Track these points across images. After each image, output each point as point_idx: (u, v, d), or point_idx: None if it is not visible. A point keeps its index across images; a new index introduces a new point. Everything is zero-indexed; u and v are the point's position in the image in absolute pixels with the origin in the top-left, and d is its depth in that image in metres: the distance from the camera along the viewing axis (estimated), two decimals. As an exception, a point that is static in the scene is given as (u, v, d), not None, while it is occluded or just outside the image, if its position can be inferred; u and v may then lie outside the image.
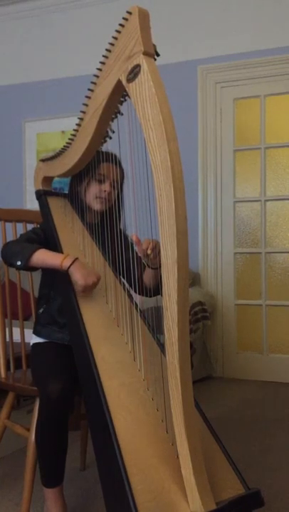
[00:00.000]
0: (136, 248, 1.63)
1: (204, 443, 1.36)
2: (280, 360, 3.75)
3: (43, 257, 1.59)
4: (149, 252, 1.57)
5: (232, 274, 3.87)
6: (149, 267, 1.70)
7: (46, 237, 1.76)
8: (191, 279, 3.70)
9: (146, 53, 1.22)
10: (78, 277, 1.53)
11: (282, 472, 2.11)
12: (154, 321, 1.67)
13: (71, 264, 1.55)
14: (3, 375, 1.84)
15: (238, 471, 1.37)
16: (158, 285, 1.73)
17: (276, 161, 3.79)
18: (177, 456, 1.24)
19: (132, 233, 1.60)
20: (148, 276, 1.75)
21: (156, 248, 1.58)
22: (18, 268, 1.60)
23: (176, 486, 1.23)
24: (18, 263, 1.58)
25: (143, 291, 1.78)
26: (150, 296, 1.76)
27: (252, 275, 3.85)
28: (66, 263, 1.55)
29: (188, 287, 1.22)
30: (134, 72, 1.23)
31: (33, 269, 1.64)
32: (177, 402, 1.20)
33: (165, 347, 1.21)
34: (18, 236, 1.77)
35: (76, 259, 1.56)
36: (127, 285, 1.77)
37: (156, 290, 1.75)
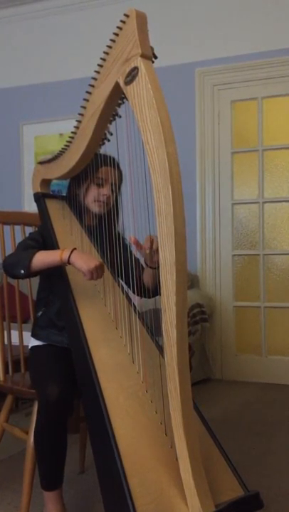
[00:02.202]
0: (134, 250, 1.63)
1: (203, 445, 1.36)
2: (279, 362, 3.74)
3: (41, 258, 1.59)
4: (147, 251, 1.58)
5: (230, 276, 3.87)
6: (148, 266, 1.70)
7: (44, 240, 1.76)
8: (189, 281, 3.70)
9: (144, 56, 1.22)
10: (81, 264, 1.53)
11: (281, 474, 2.11)
12: (152, 323, 1.67)
13: (70, 255, 1.55)
14: (1, 378, 1.84)
15: (237, 473, 1.37)
16: (157, 285, 1.73)
17: (274, 163, 3.80)
18: (176, 459, 1.24)
19: (130, 235, 1.60)
20: (147, 276, 1.75)
21: (155, 246, 1.58)
22: (22, 277, 1.61)
23: (176, 488, 1.23)
24: (22, 272, 1.58)
25: (142, 292, 1.78)
26: (149, 297, 1.76)
27: (250, 277, 3.85)
28: (65, 255, 1.55)
29: (187, 289, 1.22)
30: (132, 75, 1.23)
31: (36, 274, 1.64)
32: (176, 405, 1.20)
33: (164, 349, 1.21)
34: (17, 241, 1.77)
35: (74, 249, 1.56)
36: (125, 287, 1.77)
37: (156, 290, 1.76)
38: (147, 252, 1.59)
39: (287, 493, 1.94)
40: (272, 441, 2.49)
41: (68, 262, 1.55)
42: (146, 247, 1.57)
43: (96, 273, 1.54)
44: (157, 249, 1.55)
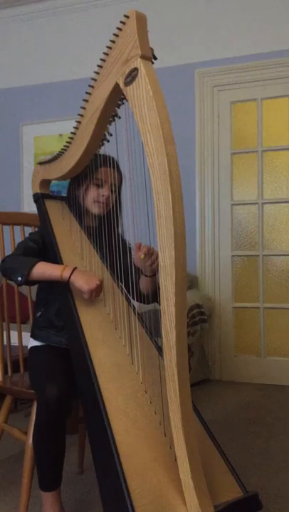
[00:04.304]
0: (133, 254, 1.64)
1: (202, 446, 1.36)
2: (278, 363, 3.75)
3: (42, 270, 1.59)
4: (142, 256, 1.58)
5: (229, 277, 3.87)
6: (144, 275, 1.70)
7: (44, 241, 1.76)
8: (188, 282, 3.70)
9: (143, 57, 1.22)
10: (81, 284, 1.53)
11: (280, 475, 2.11)
12: (151, 324, 1.67)
13: (71, 274, 1.55)
14: (0, 379, 1.84)
15: (236, 474, 1.37)
16: (155, 292, 1.73)
17: (273, 164, 3.80)
18: (175, 460, 1.24)
19: (130, 238, 1.60)
20: (143, 283, 1.75)
21: (153, 255, 1.59)
22: (19, 284, 1.60)
23: (175, 489, 1.23)
24: (19, 279, 1.58)
25: (140, 297, 1.78)
26: (146, 303, 1.76)
27: (249, 278, 3.85)
28: (66, 274, 1.55)
29: (186, 290, 1.22)
30: (131, 76, 1.23)
31: (34, 283, 1.64)
32: (175, 405, 1.20)
33: (163, 350, 1.21)
34: (16, 242, 1.77)
35: (75, 268, 1.56)
36: (124, 289, 1.77)
37: (153, 297, 1.75)
38: (142, 257, 1.59)
39: (286, 493, 1.94)
40: (271, 442, 2.49)
41: (68, 281, 1.56)
42: (140, 253, 1.58)
43: (96, 293, 1.55)
44: (154, 259, 1.58)
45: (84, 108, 1.48)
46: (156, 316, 1.39)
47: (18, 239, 1.85)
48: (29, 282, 1.61)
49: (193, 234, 3.87)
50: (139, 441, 1.30)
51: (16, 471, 2.09)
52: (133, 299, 1.75)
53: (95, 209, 1.81)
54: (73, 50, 4.21)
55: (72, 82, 4.12)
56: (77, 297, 1.60)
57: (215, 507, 1.22)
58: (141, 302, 1.77)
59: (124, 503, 1.16)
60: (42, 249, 1.73)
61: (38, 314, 1.80)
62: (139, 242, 1.56)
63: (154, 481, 1.23)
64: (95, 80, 1.40)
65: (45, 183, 1.90)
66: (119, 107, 1.43)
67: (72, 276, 1.55)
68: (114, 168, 1.78)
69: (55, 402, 1.47)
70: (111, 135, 1.55)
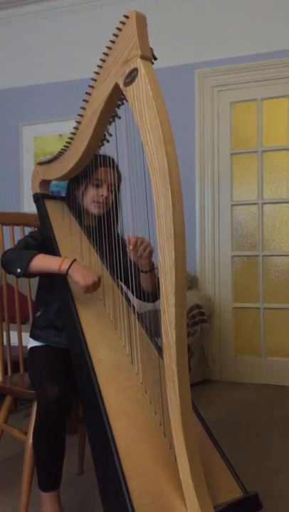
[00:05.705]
0: (128, 252, 1.64)
1: (202, 446, 1.36)
2: (278, 363, 3.75)
3: (41, 262, 1.59)
4: (131, 247, 1.58)
5: (229, 277, 3.87)
6: (141, 270, 1.70)
7: (44, 240, 1.76)
8: (188, 282, 3.70)
9: (143, 57, 1.22)
10: (79, 278, 1.53)
11: (280, 475, 2.11)
12: (151, 324, 1.67)
13: (69, 267, 1.54)
14: (0, 379, 1.84)
15: (236, 474, 1.37)
16: (155, 290, 1.73)
17: (273, 164, 3.80)
18: (175, 460, 1.24)
19: (127, 234, 1.60)
20: (143, 280, 1.75)
21: (142, 244, 1.59)
22: (18, 275, 1.60)
23: (175, 489, 1.23)
24: (18, 270, 1.58)
25: (142, 296, 1.78)
26: (149, 302, 1.76)
27: (249, 278, 3.85)
28: (64, 266, 1.55)
29: (186, 290, 1.22)
30: (131, 76, 1.23)
31: (33, 275, 1.64)
32: (175, 406, 1.20)
33: (163, 350, 1.21)
34: (16, 242, 1.77)
35: (74, 260, 1.56)
36: (124, 288, 1.77)
37: (155, 295, 1.75)
38: (131, 248, 1.59)
39: (286, 493, 1.94)
40: (271, 442, 2.49)
41: (66, 273, 1.55)
42: (131, 243, 1.58)
43: (92, 288, 1.54)
44: (147, 252, 1.58)
45: (84, 108, 1.48)
46: (156, 316, 1.39)
47: (18, 239, 1.85)
48: (28, 274, 1.61)
49: (193, 234, 3.86)
50: (138, 441, 1.30)
51: (15, 472, 2.08)
52: (136, 297, 1.75)
53: (94, 209, 1.81)
54: (73, 50, 4.21)
55: (72, 82, 4.12)
56: (77, 297, 1.60)
57: (215, 507, 1.22)
58: (144, 301, 1.77)
59: (124, 503, 1.16)
60: (42, 247, 1.73)
61: (38, 314, 1.80)
62: (128, 236, 1.55)
63: (154, 481, 1.23)
64: (94, 80, 1.40)
65: (45, 183, 1.90)
66: (119, 107, 1.43)
67: (70, 270, 1.54)
68: (112, 168, 1.78)
69: (55, 403, 1.47)
70: (111, 135, 1.55)
